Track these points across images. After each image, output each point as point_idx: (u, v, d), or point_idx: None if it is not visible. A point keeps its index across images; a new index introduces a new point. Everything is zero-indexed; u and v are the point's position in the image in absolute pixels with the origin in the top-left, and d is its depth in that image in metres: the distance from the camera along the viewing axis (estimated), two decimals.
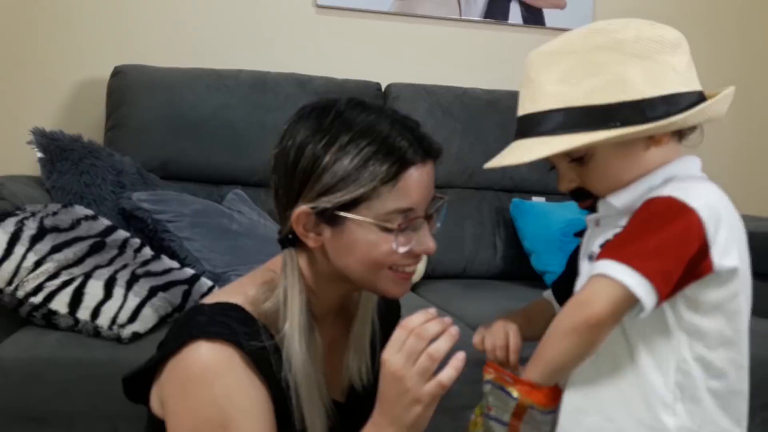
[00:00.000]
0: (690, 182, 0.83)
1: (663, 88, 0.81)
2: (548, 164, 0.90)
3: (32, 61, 2.20)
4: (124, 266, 1.47)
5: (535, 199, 2.21)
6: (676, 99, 0.82)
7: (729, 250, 0.80)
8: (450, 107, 2.27)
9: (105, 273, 1.44)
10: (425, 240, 0.87)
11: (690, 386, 0.81)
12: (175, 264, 1.53)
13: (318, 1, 2.36)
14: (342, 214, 0.83)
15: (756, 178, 2.74)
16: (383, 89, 2.30)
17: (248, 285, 0.90)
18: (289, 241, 0.87)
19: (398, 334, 0.79)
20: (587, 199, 0.88)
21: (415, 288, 2.02)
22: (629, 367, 0.82)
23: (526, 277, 2.08)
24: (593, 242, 0.88)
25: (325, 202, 0.82)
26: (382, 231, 0.83)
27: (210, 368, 0.81)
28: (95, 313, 1.39)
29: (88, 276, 1.43)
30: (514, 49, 2.51)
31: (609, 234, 0.85)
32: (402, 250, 0.84)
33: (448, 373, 0.78)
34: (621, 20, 0.84)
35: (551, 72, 0.84)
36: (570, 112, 0.81)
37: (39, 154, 1.77)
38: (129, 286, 1.43)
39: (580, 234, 0.95)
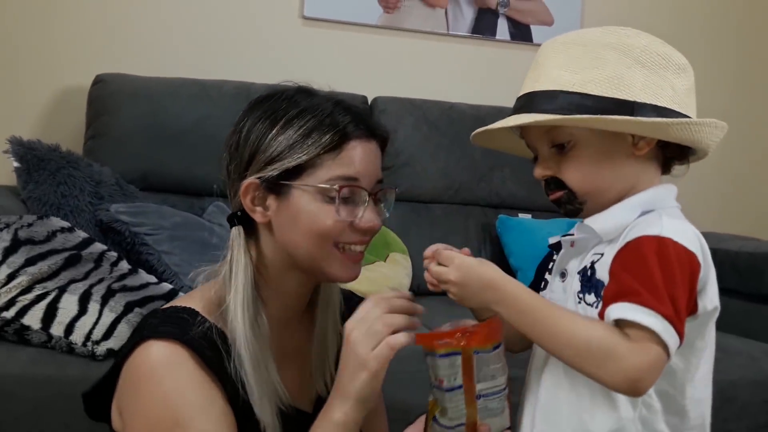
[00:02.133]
0: (674, 219, 0.83)
1: (657, 100, 0.83)
2: (533, 153, 0.91)
3: (12, 69, 2.15)
4: (100, 280, 1.43)
5: (522, 215, 2.20)
6: (667, 113, 0.83)
7: (713, 292, 0.82)
8: (436, 122, 2.26)
9: (80, 287, 1.40)
10: (369, 215, 0.89)
11: (651, 420, 0.82)
12: (152, 278, 1.49)
13: (305, 12, 2.34)
14: (287, 183, 0.86)
15: (740, 198, 2.75)
16: (369, 102, 2.28)
17: (205, 290, 0.92)
18: (238, 218, 0.90)
19: (363, 304, 0.82)
20: (558, 191, 0.88)
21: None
22: (603, 398, 0.82)
23: None
24: (567, 262, 0.90)
25: (271, 171, 0.86)
26: (324, 201, 0.86)
27: (160, 366, 0.82)
28: (69, 328, 1.35)
29: (62, 290, 1.38)
30: (502, 64, 2.51)
31: (585, 258, 0.86)
32: (343, 217, 0.86)
33: (397, 337, 0.79)
34: (636, 30, 0.87)
35: (557, 59, 0.87)
36: (563, 95, 0.84)
37: (15, 164, 1.73)
38: (105, 301, 1.39)
39: (554, 247, 0.95)
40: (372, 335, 0.80)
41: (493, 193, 2.26)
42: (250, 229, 0.91)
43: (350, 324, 0.81)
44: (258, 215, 0.89)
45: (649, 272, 0.76)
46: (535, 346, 0.92)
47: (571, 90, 0.83)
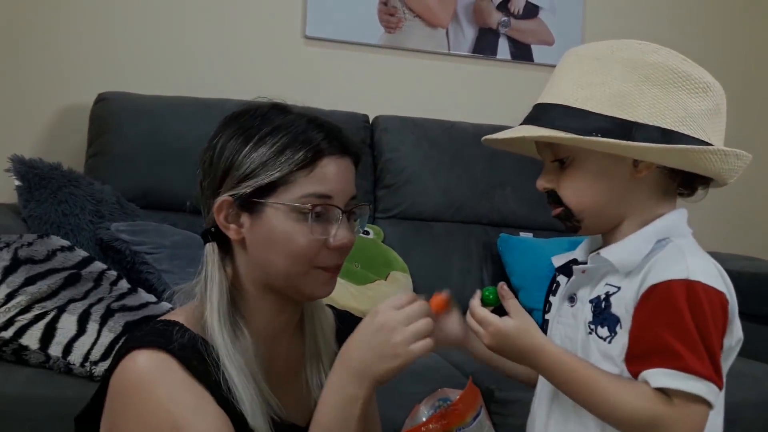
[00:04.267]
0: (697, 256, 0.81)
1: (662, 121, 0.80)
2: (541, 161, 0.91)
3: (14, 87, 2.16)
4: (100, 300, 1.42)
5: (523, 234, 2.20)
6: (673, 136, 0.80)
7: (737, 326, 0.81)
8: (437, 140, 2.26)
9: (79, 307, 1.39)
10: (342, 233, 0.88)
11: None
12: (152, 298, 1.49)
13: (307, 32, 2.36)
14: (260, 200, 0.86)
15: (743, 218, 2.75)
16: (371, 121, 2.29)
17: (186, 308, 0.92)
18: (212, 235, 0.90)
19: (399, 298, 0.83)
20: (557, 207, 0.88)
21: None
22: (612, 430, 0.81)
23: None
24: (577, 288, 0.88)
25: (244, 188, 0.86)
26: (298, 220, 0.86)
27: (148, 373, 0.82)
28: (67, 349, 1.34)
29: (61, 310, 1.38)
30: (502, 84, 2.52)
31: (598, 287, 0.85)
32: (316, 236, 0.86)
33: (430, 342, 0.82)
34: (656, 45, 0.84)
35: (569, 71, 0.86)
36: (563, 110, 0.82)
37: (17, 182, 1.73)
38: (104, 321, 1.38)
39: (562, 270, 0.94)
40: (416, 333, 0.81)
41: (495, 211, 2.26)
42: (226, 246, 0.91)
43: (393, 315, 0.82)
44: (232, 232, 0.88)
45: (685, 327, 0.75)
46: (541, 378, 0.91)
47: (572, 105, 0.82)
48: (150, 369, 0.82)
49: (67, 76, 2.19)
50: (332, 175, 0.87)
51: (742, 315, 0.83)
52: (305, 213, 0.86)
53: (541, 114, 0.85)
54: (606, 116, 0.80)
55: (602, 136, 0.79)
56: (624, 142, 0.78)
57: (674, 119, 0.80)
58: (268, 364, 0.91)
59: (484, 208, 2.26)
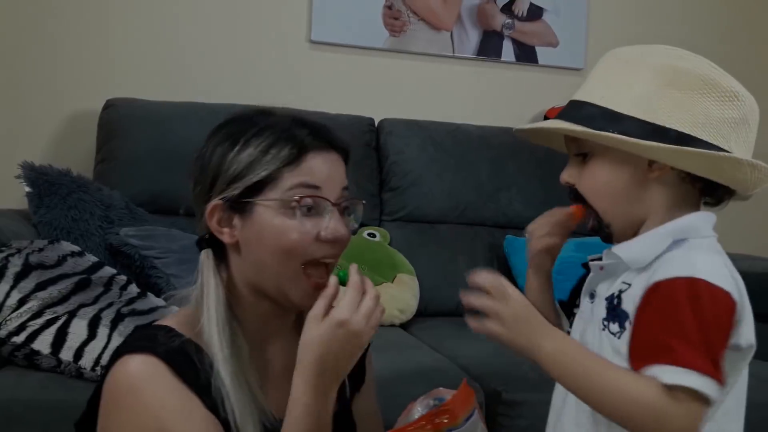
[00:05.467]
0: (706, 255, 0.81)
1: (680, 125, 0.81)
2: (567, 153, 0.93)
3: (23, 94, 2.19)
4: (110, 304, 1.43)
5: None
6: (691, 140, 0.81)
7: (748, 330, 0.80)
8: (443, 143, 2.27)
9: (90, 312, 1.41)
10: (334, 225, 0.88)
11: None
12: (161, 302, 1.50)
13: (312, 36, 2.37)
14: (249, 200, 0.87)
15: (749, 217, 2.74)
16: (376, 124, 2.30)
17: (179, 313, 0.93)
18: (206, 242, 0.91)
19: (353, 296, 0.83)
20: (576, 203, 0.91)
21: (406, 326, 1.99)
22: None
23: None
24: (597, 284, 0.89)
25: (233, 190, 0.87)
26: (288, 216, 0.86)
27: (137, 377, 0.83)
28: (78, 353, 1.36)
29: (72, 315, 1.39)
30: (507, 86, 2.52)
31: (615, 284, 0.85)
32: (307, 229, 0.86)
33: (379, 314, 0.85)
34: (687, 52, 0.86)
35: (603, 72, 0.89)
36: (589, 107, 0.85)
37: (27, 189, 1.74)
38: (114, 325, 1.39)
39: (587, 267, 0.94)
40: (374, 327, 0.84)
41: (500, 213, 2.26)
42: (221, 252, 0.91)
43: (358, 321, 0.82)
44: (225, 236, 0.89)
45: (682, 321, 0.75)
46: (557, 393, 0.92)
47: (596, 103, 0.85)
48: (139, 373, 0.83)
49: (75, 82, 2.21)
50: (319, 167, 0.88)
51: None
52: (294, 207, 0.86)
53: (570, 110, 0.88)
54: (627, 116, 0.82)
55: (618, 134, 0.81)
56: (633, 140, 0.80)
57: (693, 124, 0.81)
58: (263, 368, 0.92)
59: (490, 210, 2.26)
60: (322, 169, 0.88)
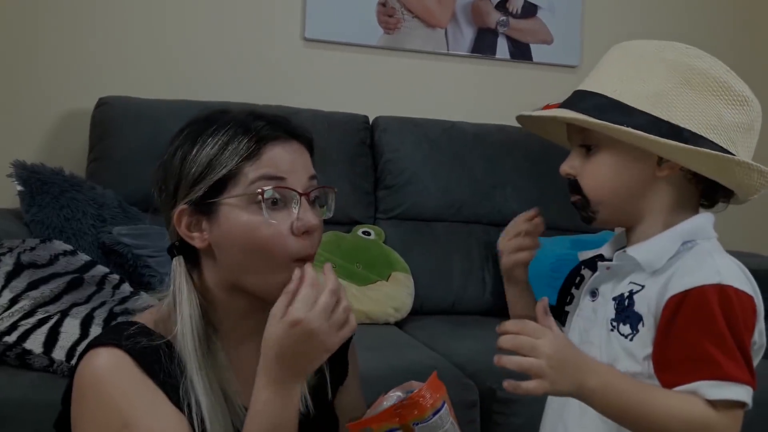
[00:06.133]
0: (725, 258, 0.82)
1: (696, 126, 0.81)
2: (568, 146, 0.91)
3: (15, 92, 2.17)
4: (102, 303, 1.43)
5: None
6: (703, 142, 0.81)
7: (761, 328, 0.81)
8: (437, 140, 2.26)
9: (82, 311, 1.40)
10: (305, 215, 0.85)
11: None
12: (154, 301, 1.49)
13: (306, 34, 2.36)
14: (214, 200, 0.85)
15: (743, 213, 2.74)
16: (371, 122, 2.29)
17: (156, 308, 0.92)
18: (178, 249, 0.89)
19: (306, 293, 0.80)
20: (575, 195, 0.89)
21: (402, 324, 1.99)
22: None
23: None
24: (600, 283, 0.89)
25: (197, 192, 0.85)
26: (255, 211, 0.84)
27: (102, 371, 0.83)
28: (71, 353, 1.35)
29: (64, 314, 1.38)
30: (502, 83, 2.52)
31: (622, 284, 0.85)
32: (277, 221, 0.84)
33: (353, 322, 0.82)
34: (703, 52, 0.85)
35: (615, 65, 0.87)
36: (600, 99, 0.83)
37: (19, 187, 1.73)
38: (106, 324, 1.38)
39: (586, 263, 0.95)
40: (336, 324, 0.81)
41: (496, 210, 2.26)
42: (194, 258, 0.90)
43: (313, 318, 0.79)
44: (196, 241, 0.87)
45: (721, 333, 0.76)
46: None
47: (609, 96, 0.83)
48: (104, 367, 0.82)
49: (67, 80, 2.20)
50: (280, 157, 0.86)
51: None
52: (260, 201, 0.84)
53: (578, 100, 0.86)
54: (640, 111, 0.81)
55: (638, 131, 0.80)
56: (652, 137, 0.79)
57: (706, 126, 0.81)
58: (238, 369, 0.90)
59: (485, 207, 2.26)
60: (284, 158, 0.86)
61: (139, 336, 0.85)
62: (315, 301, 0.80)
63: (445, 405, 0.82)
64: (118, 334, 0.85)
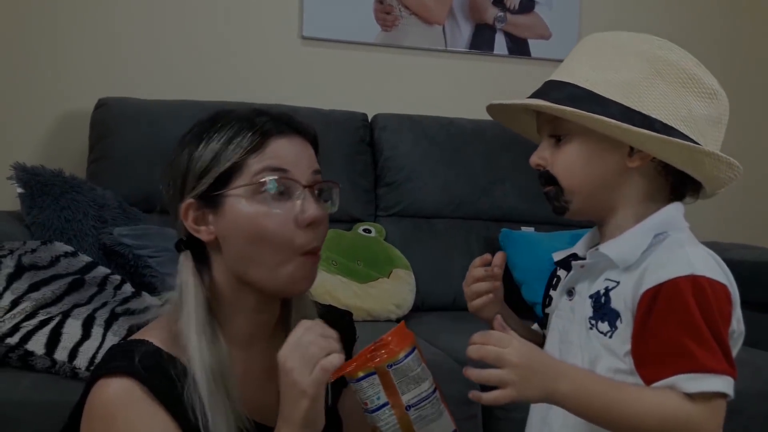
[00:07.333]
0: (697, 248, 0.82)
1: (667, 117, 0.81)
2: (536, 139, 0.91)
3: (15, 94, 2.17)
4: (104, 304, 1.43)
5: (524, 228, 2.20)
6: (672, 132, 0.81)
7: (737, 317, 0.81)
8: (436, 137, 2.26)
9: (84, 312, 1.40)
10: (309, 206, 0.87)
11: None
12: (156, 301, 1.49)
13: (303, 32, 2.36)
14: (219, 193, 0.86)
15: (742, 206, 2.75)
16: (369, 119, 2.29)
17: (162, 320, 0.91)
18: (185, 244, 0.90)
19: (294, 331, 0.81)
20: (550, 186, 0.88)
21: (403, 321, 1.99)
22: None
23: (516, 308, 1.99)
24: (575, 282, 0.88)
25: (202, 185, 0.87)
26: (259, 201, 0.85)
27: (110, 403, 0.82)
28: (73, 353, 1.35)
29: (66, 315, 1.39)
30: (500, 79, 2.52)
31: (597, 282, 0.85)
32: (282, 212, 0.85)
33: (330, 359, 0.79)
34: (675, 45, 0.85)
35: (587, 55, 0.87)
36: (572, 88, 0.83)
37: (19, 190, 1.74)
38: (108, 325, 1.39)
39: (561, 264, 0.94)
40: (308, 361, 0.78)
41: (495, 206, 2.26)
42: (202, 254, 0.91)
43: (284, 352, 0.80)
44: (203, 234, 0.88)
45: (697, 325, 0.75)
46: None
47: (581, 85, 0.83)
48: (113, 400, 0.82)
49: (66, 82, 2.20)
50: (284, 150, 0.87)
51: (743, 303, 0.83)
52: (264, 192, 0.85)
53: (549, 90, 0.86)
54: (612, 101, 0.81)
55: (611, 119, 0.80)
56: (626, 126, 0.79)
57: (677, 117, 0.82)
58: (243, 370, 0.90)
59: (485, 203, 2.26)
60: (288, 151, 0.87)
61: (146, 358, 0.84)
62: (299, 338, 0.80)
63: (416, 350, 0.83)
64: (126, 358, 0.84)
